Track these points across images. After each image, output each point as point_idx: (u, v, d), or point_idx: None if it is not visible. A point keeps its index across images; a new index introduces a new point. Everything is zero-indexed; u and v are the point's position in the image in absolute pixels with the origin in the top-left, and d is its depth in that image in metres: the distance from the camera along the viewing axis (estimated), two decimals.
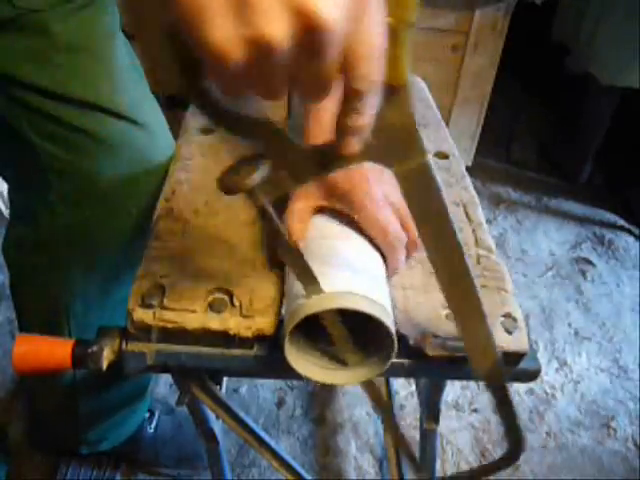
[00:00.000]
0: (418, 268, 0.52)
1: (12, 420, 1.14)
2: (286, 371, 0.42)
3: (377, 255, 0.47)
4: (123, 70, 0.66)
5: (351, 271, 0.43)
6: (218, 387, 0.64)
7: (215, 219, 0.55)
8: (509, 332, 0.47)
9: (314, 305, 0.39)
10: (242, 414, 0.66)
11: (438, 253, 0.38)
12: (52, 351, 0.45)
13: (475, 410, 1.29)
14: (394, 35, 0.29)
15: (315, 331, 0.42)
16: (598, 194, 2.08)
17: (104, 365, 0.45)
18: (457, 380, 1.27)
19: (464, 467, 1.18)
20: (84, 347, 0.46)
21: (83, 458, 1.05)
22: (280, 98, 0.29)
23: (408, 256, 0.49)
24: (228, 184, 0.34)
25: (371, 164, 0.36)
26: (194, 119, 0.72)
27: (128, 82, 0.67)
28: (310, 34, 0.25)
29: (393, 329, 0.40)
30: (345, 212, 0.48)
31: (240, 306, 0.46)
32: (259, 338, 0.46)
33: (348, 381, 0.44)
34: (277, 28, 0.25)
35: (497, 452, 1.21)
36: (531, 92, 2.43)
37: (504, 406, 0.43)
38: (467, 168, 0.68)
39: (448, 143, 0.73)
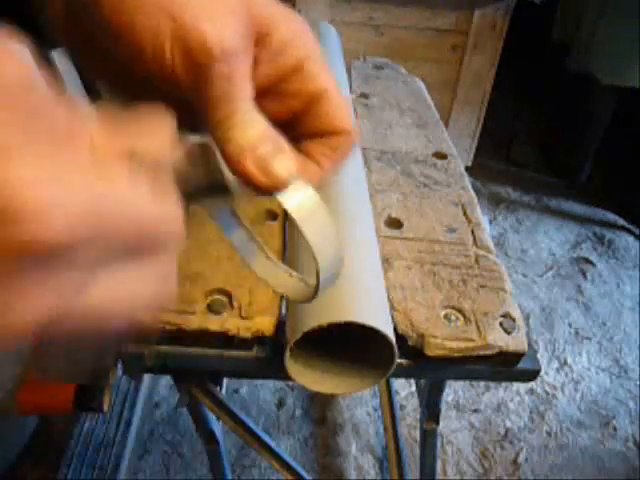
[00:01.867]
0: (416, 268, 0.52)
1: None
2: (286, 372, 0.42)
3: (374, 259, 0.47)
4: None
5: (352, 281, 0.43)
6: (218, 388, 0.64)
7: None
8: (508, 332, 0.47)
9: (317, 319, 0.39)
10: (242, 415, 0.66)
11: None
12: (54, 397, 0.46)
13: (475, 410, 1.29)
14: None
15: (316, 336, 0.42)
16: (598, 194, 2.08)
17: (105, 408, 0.46)
18: (457, 380, 1.27)
19: (464, 467, 1.18)
20: (85, 393, 0.46)
21: (83, 458, 1.06)
22: None
23: None
24: None
25: None
26: None
27: None
28: None
29: (394, 342, 0.40)
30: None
31: (239, 307, 0.46)
32: (259, 339, 0.46)
33: (349, 390, 0.44)
34: None
35: (497, 452, 1.21)
36: (531, 92, 2.44)
37: None
38: (467, 168, 0.68)
39: (447, 143, 0.73)
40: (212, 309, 0.46)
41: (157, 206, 0.19)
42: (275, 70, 0.26)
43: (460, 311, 0.48)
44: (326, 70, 0.27)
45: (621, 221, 1.97)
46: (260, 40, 0.25)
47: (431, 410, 0.70)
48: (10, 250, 0.15)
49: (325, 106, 0.27)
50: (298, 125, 0.28)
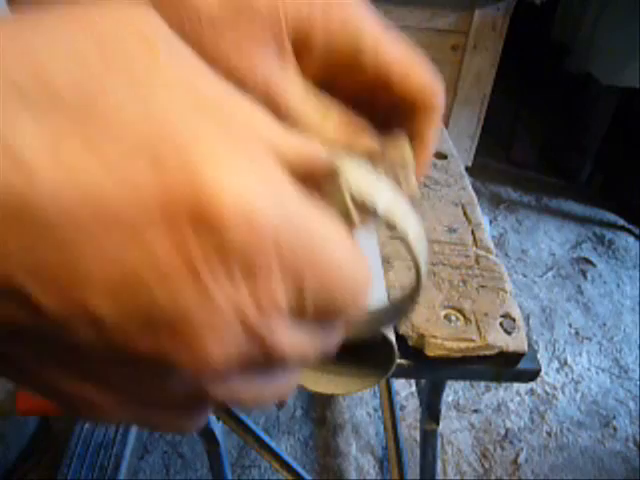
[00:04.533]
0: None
1: None
2: None
3: (374, 259, 0.47)
4: None
5: None
6: None
7: None
8: (508, 332, 0.47)
9: None
10: (242, 415, 0.66)
11: None
12: None
13: (476, 410, 1.29)
14: None
15: None
16: (598, 194, 2.08)
17: None
18: (457, 380, 1.27)
19: (464, 467, 1.18)
20: None
21: (84, 458, 1.06)
22: None
23: None
24: None
25: None
26: None
27: None
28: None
29: (395, 342, 0.40)
30: None
31: None
32: None
33: (349, 390, 0.44)
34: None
35: (497, 452, 1.21)
36: (531, 92, 2.44)
37: None
38: (467, 168, 0.68)
39: (447, 143, 0.73)
40: None
41: (358, 259, 0.16)
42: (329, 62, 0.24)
43: (460, 311, 0.48)
44: (372, 26, 0.24)
45: (621, 221, 1.97)
46: (301, 44, 0.23)
47: (431, 410, 0.70)
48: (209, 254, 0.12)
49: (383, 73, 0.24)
50: (372, 106, 0.25)
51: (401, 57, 0.24)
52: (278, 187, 0.13)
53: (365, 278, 0.16)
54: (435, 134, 0.25)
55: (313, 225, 0.14)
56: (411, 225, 0.18)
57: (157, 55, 0.13)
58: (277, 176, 0.14)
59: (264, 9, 0.21)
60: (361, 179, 0.17)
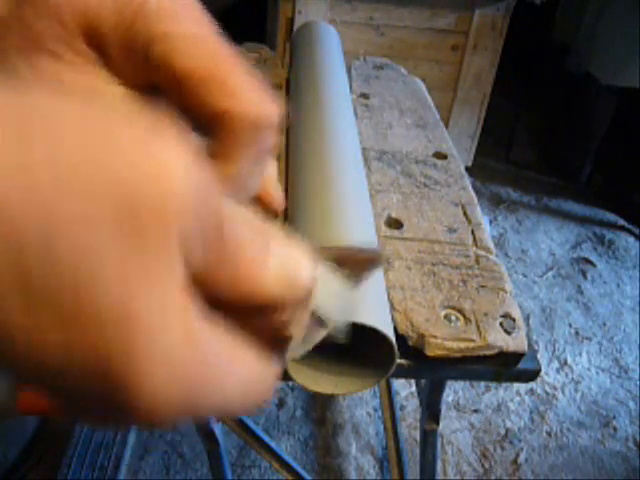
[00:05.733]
0: (416, 268, 0.52)
1: None
2: (286, 372, 0.42)
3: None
4: None
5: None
6: None
7: None
8: (508, 332, 0.47)
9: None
10: (242, 415, 0.66)
11: None
12: None
13: (475, 410, 1.29)
14: None
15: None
16: (598, 194, 2.08)
17: None
18: (457, 380, 1.27)
19: (464, 467, 1.18)
20: None
21: (84, 458, 1.06)
22: None
23: None
24: None
25: None
26: None
27: None
28: None
29: (395, 342, 0.40)
30: None
31: None
32: None
33: (349, 390, 0.44)
34: None
35: (497, 452, 1.21)
36: (531, 92, 2.44)
37: None
38: (467, 168, 0.68)
39: (447, 143, 0.73)
40: None
41: (261, 372, 0.18)
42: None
43: (460, 311, 0.48)
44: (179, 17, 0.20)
45: (621, 221, 1.97)
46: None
47: (431, 410, 0.70)
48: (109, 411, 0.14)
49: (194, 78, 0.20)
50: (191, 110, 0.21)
51: (204, 62, 0.20)
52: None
53: (256, 397, 0.18)
54: (248, 154, 0.20)
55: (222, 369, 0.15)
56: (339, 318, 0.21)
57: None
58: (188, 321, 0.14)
59: (50, 1, 0.20)
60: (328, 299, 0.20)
